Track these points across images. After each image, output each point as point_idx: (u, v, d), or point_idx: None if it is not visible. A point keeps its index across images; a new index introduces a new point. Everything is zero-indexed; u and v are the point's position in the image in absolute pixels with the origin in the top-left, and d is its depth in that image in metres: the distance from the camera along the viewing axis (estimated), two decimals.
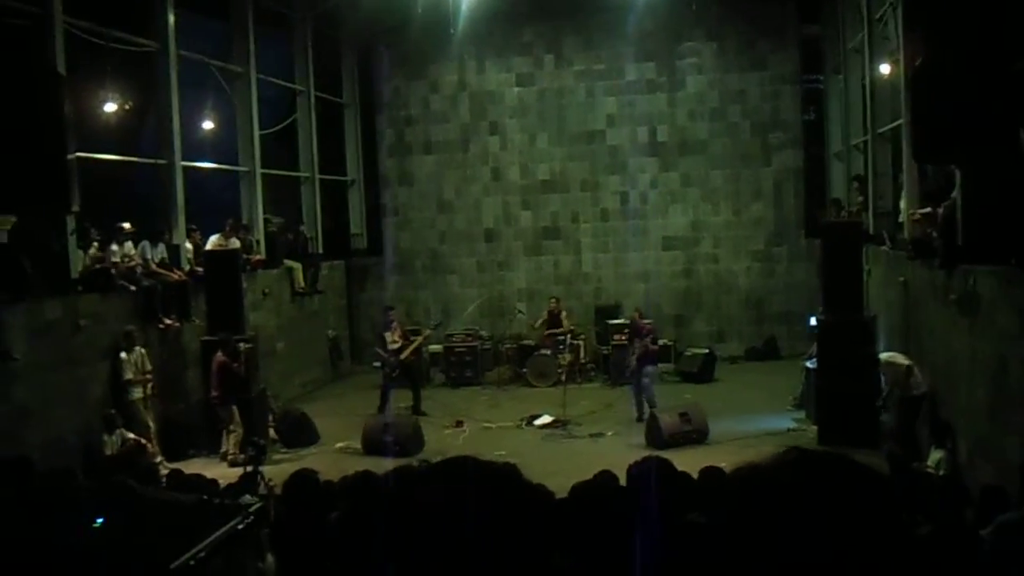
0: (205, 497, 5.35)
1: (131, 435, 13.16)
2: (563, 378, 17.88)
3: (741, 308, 22.60)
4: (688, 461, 7.86)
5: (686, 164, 22.74)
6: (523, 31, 23.15)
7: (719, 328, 22.58)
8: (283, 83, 21.30)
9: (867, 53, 17.40)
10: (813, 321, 15.81)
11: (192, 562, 4.14)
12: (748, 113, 22.52)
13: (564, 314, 20.48)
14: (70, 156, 12.79)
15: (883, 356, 13.20)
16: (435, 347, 20.92)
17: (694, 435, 14.48)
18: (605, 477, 5.69)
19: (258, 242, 19.14)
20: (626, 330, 18.28)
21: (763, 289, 22.50)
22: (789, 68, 22.42)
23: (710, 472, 6.86)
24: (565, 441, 15.34)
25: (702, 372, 19.73)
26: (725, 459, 12.26)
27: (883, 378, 13.13)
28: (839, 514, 1.33)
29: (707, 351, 20.33)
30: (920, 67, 10.84)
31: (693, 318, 22.67)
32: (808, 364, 15.83)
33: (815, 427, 14.54)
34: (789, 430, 15.17)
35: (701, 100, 22.69)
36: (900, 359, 12.90)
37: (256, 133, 19.32)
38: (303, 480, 7.17)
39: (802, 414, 15.84)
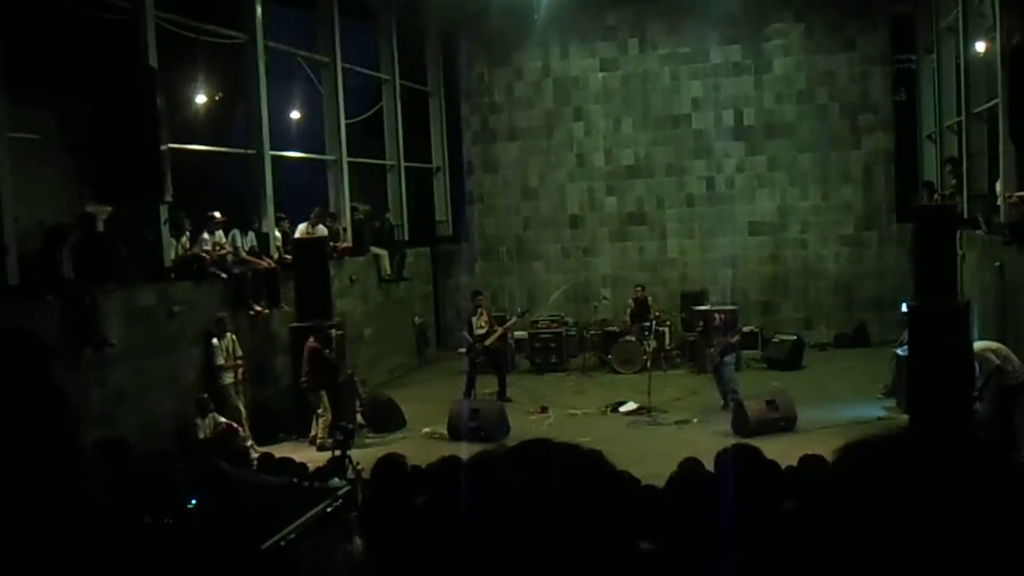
0: (295, 480, 5.46)
1: (223, 419, 13.46)
2: (648, 365, 17.78)
3: (830, 294, 22.22)
4: (775, 449, 7.77)
5: (773, 148, 22.40)
6: (606, 15, 23.00)
7: (807, 314, 22.24)
8: (368, 72, 21.50)
9: (961, 31, 16.94)
10: (904, 307, 15.47)
11: (282, 543, 4.23)
12: (836, 95, 22.08)
13: (650, 299, 20.34)
14: (163, 147, 13.14)
15: (977, 345, 12.83)
16: (520, 333, 20.96)
17: (781, 423, 14.30)
18: (691, 465, 5.66)
19: (345, 230, 19.37)
20: (700, 324, 17.87)
21: (852, 275, 22.09)
22: (879, 48, 21.93)
23: (809, 461, 6.76)
24: (650, 428, 15.27)
25: (789, 359, 19.46)
26: (813, 447, 12.07)
27: (978, 367, 12.77)
28: (948, 501, 1.27)
29: (795, 338, 20.04)
30: (1018, 44, 10.53)
31: (780, 304, 22.36)
32: (899, 351, 15.51)
33: (906, 416, 14.25)
34: (879, 418, 14.89)
35: (788, 82, 22.32)
36: (995, 348, 12.54)
37: (342, 122, 19.54)
38: (391, 464, 7.25)
39: (892, 402, 15.53)
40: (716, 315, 17.27)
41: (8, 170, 11.67)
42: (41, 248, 12.21)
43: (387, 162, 21.99)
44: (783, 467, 6.76)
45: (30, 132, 13.64)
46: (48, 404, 1.22)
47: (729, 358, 16.06)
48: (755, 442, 8.24)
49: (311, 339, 14.79)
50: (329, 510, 4.42)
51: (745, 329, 20.21)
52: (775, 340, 20.13)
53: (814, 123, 22.20)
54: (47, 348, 1.27)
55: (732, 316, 17.14)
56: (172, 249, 14.43)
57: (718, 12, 21.66)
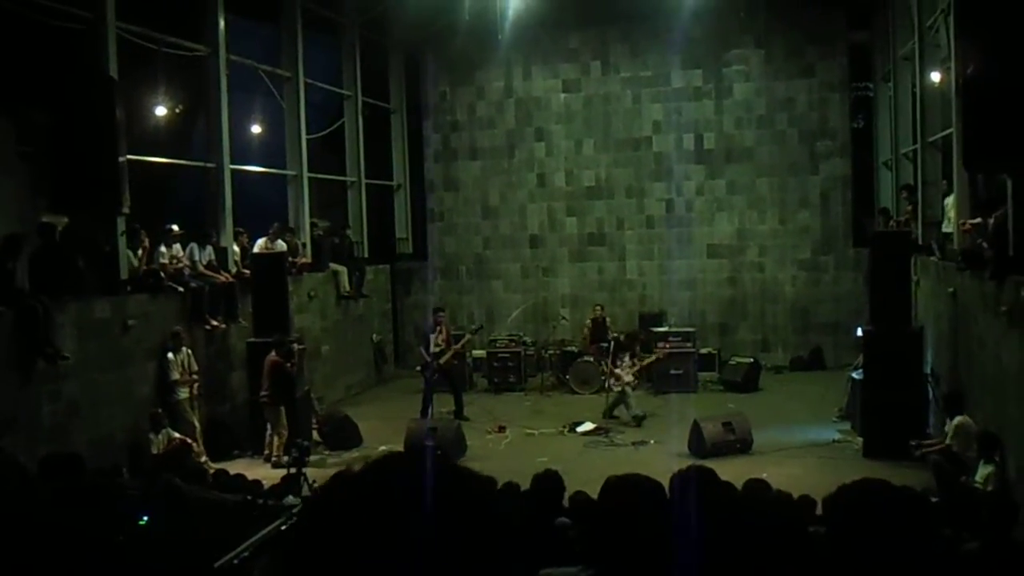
0: (249, 497, 5.40)
1: (177, 435, 13.31)
2: (606, 385, 17.84)
3: (787, 317, 22.42)
4: (732, 471, 7.79)
5: (732, 172, 22.60)
6: (570, 38, 23.16)
7: (764, 337, 22.41)
8: (331, 88, 21.46)
9: (918, 61, 17.21)
10: (860, 332, 15.64)
11: (235, 561, 4.18)
12: (795, 121, 22.34)
13: (608, 320, 20.46)
14: (121, 159, 13.02)
15: (958, 418, 12.18)
16: (478, 352, 20.96)
17: (738, 445, 14.38)
18: (650, 485, 5.65)
19: (304, 245, 19.28)
20: (613, 340, 18.48)
21: (809, 299, 22.30)
22: (837, 76, 22.23)
23: (752, 484, 6.81)
24: (607, 449, 15.29)
25: (746, 382, 19.59)
26: (769, 469, 12.20)
27: (955, 436, 12.22)
28: (877, 533, 1.28)
29: (751, 361, 20.17)
30: (972, 75, 10.71)
31: (738, 327, 22.51)
32: (854, 375, 15.68)
33: (860, 439, 14.40)
34: (834, 441, 15.03)
35: (748, 108, 22.55)
36: (967, 429, 11.91)
37: (304, 137, 19.48)
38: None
39: (848, 425, 15.68)
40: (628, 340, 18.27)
41: None
42: None
43: (348, 178, 21.93)
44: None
45: None
46: None
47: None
48: (711, 463, 8.28)
49: (272, 353, 14.68)
50: (283, 528, 4.38)
51: (703, 351, 20.41)
52: (732, 362, 20.26)
53: (773, 148, 22.44)
54: None
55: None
56: (129, 261, 14.27)
57: (680, 37, 21.85)
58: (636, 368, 17.49)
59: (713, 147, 22.67)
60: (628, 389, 17.00)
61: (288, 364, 14.69)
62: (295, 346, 15.08)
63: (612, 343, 18.04)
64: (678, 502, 4.81)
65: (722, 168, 22.65)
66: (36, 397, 11.73)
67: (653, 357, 18.73)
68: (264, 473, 12.36)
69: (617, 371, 17.11)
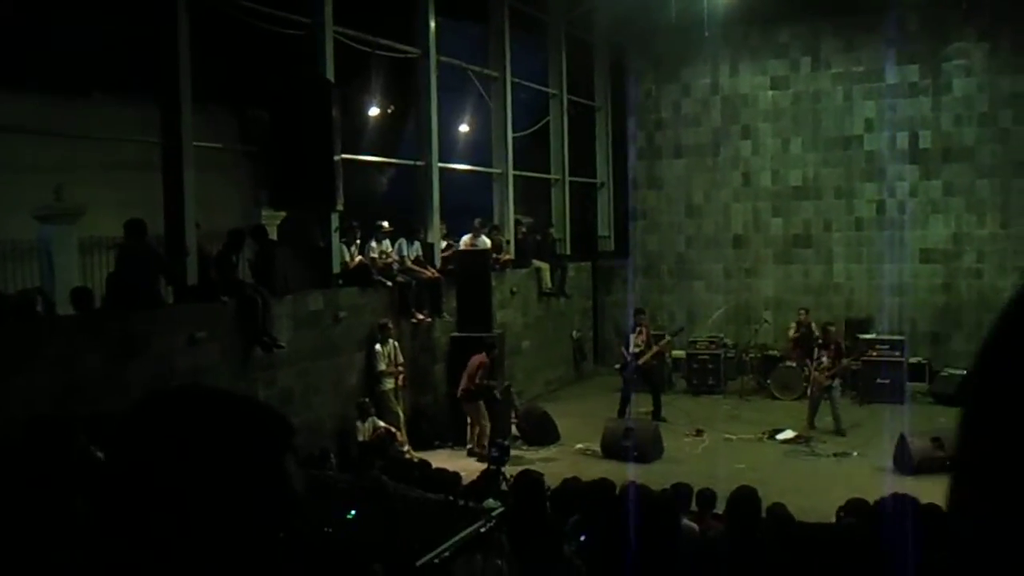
0: (451, 498, 5.56)
1: (382, 424, 13.78)
2: (808, 392, 17.35)
3: None
4: (940, 491, 7.48)
5: (949, 172, 21.56)
6: (779, 33, 22.62)
7: (980, 348, 21.21)
8: (537, 87, 21.71)
9: None
10: None
11: (436, 560, 4.32)
12: (1022, 118, 21.10)
13: (814, 325, 19.83)
14: (336, 157, 13.60)
15: None
16: (678, 353, 20.79)
17: (947, 462, 13.68)
18: (855, 505, 5.51)
19: (508, 242, 19.58)
20: (819, 340, 17.52)
21: None
22: None
23: None
24: (808, 459, 14.87)
25: (960, 395, 18.63)
26: None
27: None
28: None
29: (966, 372, 19.17)
30: None
31: (951, 336, 21.44)
32: None
33: None
34: None
35: (969, 104, 21.44)
36: None
37: (510, 135, 19.79)
38: (529, 482, 7.30)
39: None
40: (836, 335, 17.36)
41: (192, 177, 12.28)
42: (219, 251, 12.79)
43: (552, 176, 22.14)
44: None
45: (213, 141, 14.32)
46: (280, 511, 1.20)
47: (837, 384, 16.50)
48: (917, 480, 7.97)
49: (483, 354, 14.87)
50: (483, 530, 4.50)
51: (912, 360, 19.57)
52: (944, 374, 19.30)
53: (996, 147, 21.26)
54: (288, 430, 1.27)
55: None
56: (341, 256, 14.87)
57: (896, 31, 20.99)
58: (833, 370, 16.34)
59: (929, 146, 21.67)
60: (835, 394, 16.35)
61: (490, 361, 14.95)
62: (495, 350, 15.36)
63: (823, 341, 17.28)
64: (884, 532, 4.66)
65: (938, 168, 21.63)
66: (253, 383, 12.40)
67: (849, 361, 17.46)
68: (463, 465, 12.66)
69: (815, 374, 16.49)
